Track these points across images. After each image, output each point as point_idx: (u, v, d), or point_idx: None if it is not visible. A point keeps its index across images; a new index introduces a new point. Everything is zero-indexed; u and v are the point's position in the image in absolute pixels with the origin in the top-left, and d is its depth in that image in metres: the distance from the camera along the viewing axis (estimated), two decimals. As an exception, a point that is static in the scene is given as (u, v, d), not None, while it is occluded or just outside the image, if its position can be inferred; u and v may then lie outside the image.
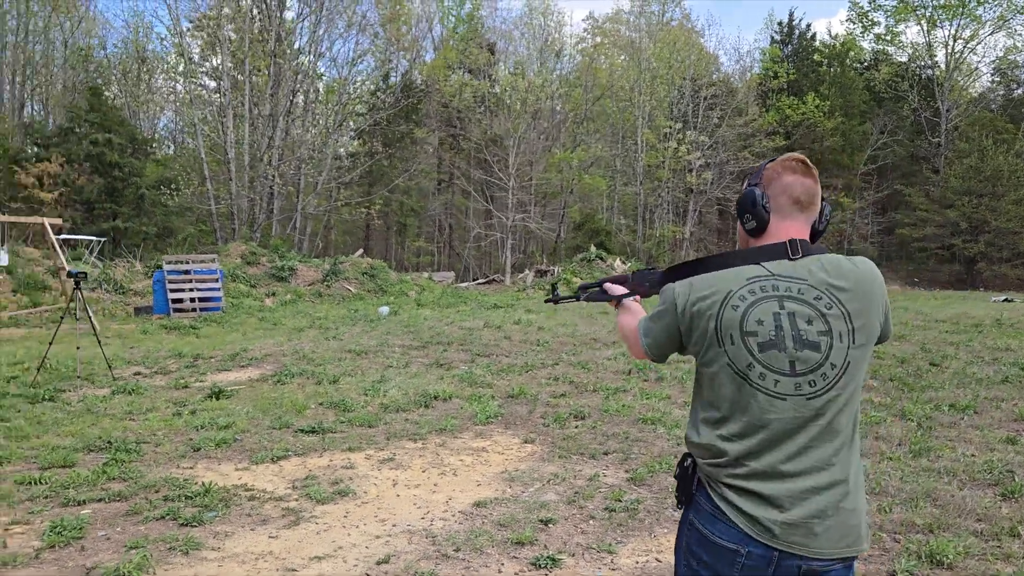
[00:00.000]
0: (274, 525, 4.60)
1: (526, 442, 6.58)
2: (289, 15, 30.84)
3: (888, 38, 44.76)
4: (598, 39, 40.96)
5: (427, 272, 29.83)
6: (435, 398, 8.14)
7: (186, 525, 4.53)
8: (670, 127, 35.39)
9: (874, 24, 44.61)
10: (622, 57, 39.42)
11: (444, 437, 6.71)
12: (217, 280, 18.74)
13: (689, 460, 1.96)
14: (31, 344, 11.99)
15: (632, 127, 37.79)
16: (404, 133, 34.09)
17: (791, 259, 1.89)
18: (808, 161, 1.98)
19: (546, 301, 2.63)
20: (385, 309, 18.52)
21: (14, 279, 18.30)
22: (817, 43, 44.81)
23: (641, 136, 36.32)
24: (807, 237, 1.96)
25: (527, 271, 30.71)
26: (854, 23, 45.29)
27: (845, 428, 1.82)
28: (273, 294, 21.73)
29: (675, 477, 2.02)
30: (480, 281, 30.88)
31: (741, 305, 1.83)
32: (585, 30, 41.84)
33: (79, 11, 34.96)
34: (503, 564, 4.08)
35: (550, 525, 4.60)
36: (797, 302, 1.82)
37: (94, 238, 19.35)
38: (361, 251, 29.16)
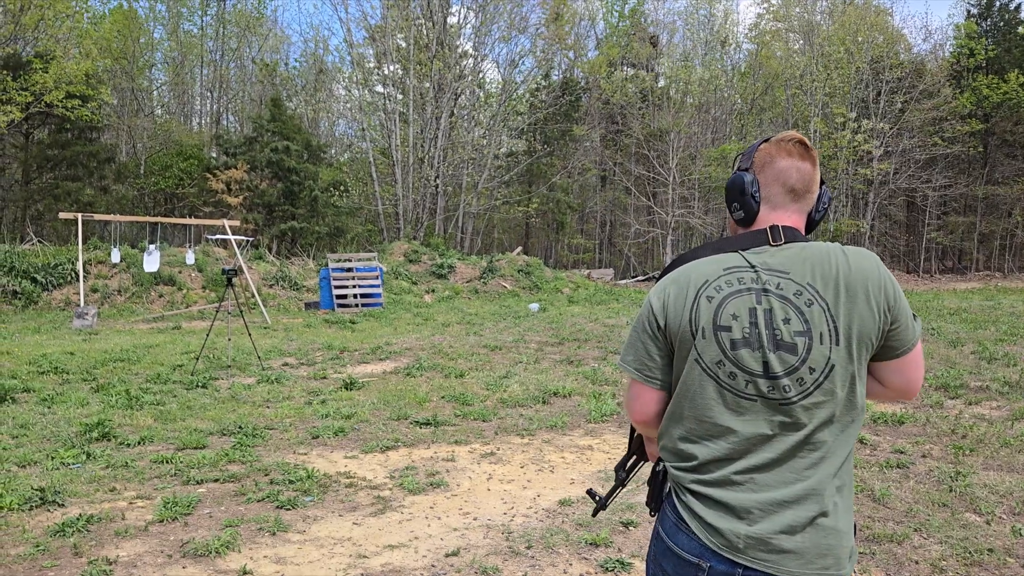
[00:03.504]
0: (362, 512, 4.75)
1: (635, 442, 6.40)
2: (452, 19, 31.83)
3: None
4: (775, 24, 39.07)
5: (585, 269, 29.83)
6: (555, 394, 8.11)
7: (281, 508, 4.78)
8: (844, 115, 33.22)
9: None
10: (799, 43, 37.41)
11: (552, 434, 6.66)
12: (377, 277, 19.68)
13: (661, 465, 1.83)
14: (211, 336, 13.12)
15: (804, 116, 35.84)
16: (564, 131, 34.25)
17: (772, 244, 1.72)
18: (807, 142, 1.78)
19: (594, 515, 2.28)
20: (535, 306, 18.71)
21: (204, 276, 20.13)
22: (1023, 15, 40.43)
23: (813, 126, 34.36)
24: (801, 227, 1.78)
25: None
26: (1068, -11, 40.46)
27: (829, 442, 1.64)
28: (432, 291, 22.53)
29: (647, 483, 1.89)
30: (640, 278, 30.51)
31: (716, 296, 1.68)
32: (759, 15, 40.10)
33: (266, 30, 38.00)
34: (571, 564, 3.99)
35: (631, 528, 4.44)
36: (776, 297, 1.65)
37: (244, 238, 21.00)
38: (520, 248, 29.63)
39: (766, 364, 1.63)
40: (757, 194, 1.76)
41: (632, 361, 1.78)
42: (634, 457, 2.07)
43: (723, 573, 1.63)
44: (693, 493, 1.69)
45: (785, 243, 1.71)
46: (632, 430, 2.07)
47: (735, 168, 1.85)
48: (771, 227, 1.73)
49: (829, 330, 1.62)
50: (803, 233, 1.77)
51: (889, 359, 1.70)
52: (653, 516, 1.88)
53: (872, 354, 1.68)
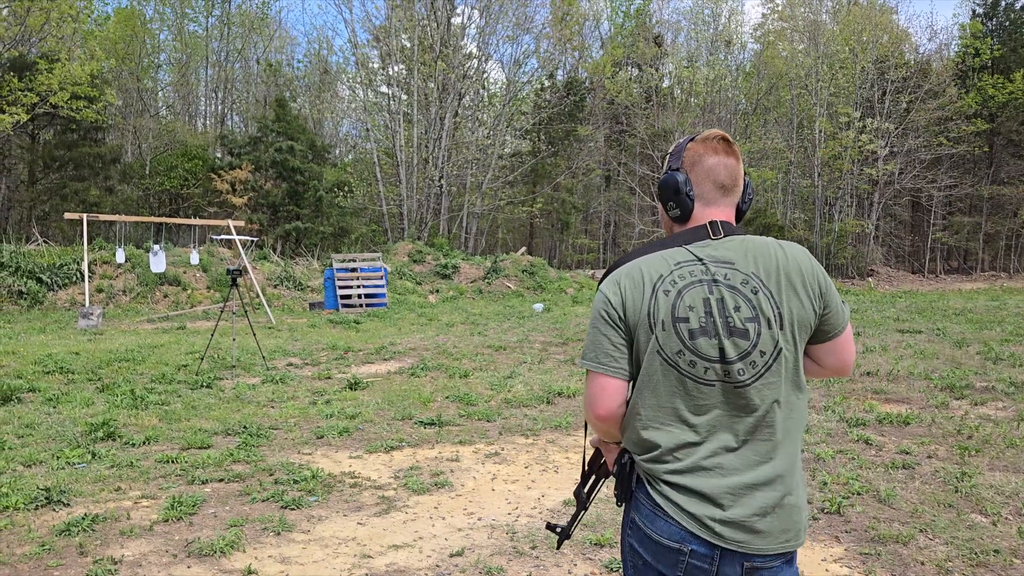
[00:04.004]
0: (366, 512, 4.75)
1: (639, 442, 6.40)
2: (457, 20, 31.84)
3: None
4: (778, 24, 38.93)
5: (589, 269, 29.82)
6: (559, 394, 8.11)
7: (286, 508, 4.78)
8: (848, 115, 33.15)
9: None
10: (802, 46, 37.29)
11: (557, 434, 6.66)
12: (382, 277, 19.69)
13: (627, 456, 1.87)
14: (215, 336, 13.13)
15: (809, 116, 35.77)
16: (568, 131, 34.26)
17: (713, 238, 1.84)
18: (729, 137, 1.90)
19: (559, 547, 2.23)
20: (539, 306, 18.71)
21: (209, 276, 20.16)
22: (1028, 14, 40.29)
23: (819, 125, 34.29)
24: (732, 220, 1.92)
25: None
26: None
27: (782, 423, 1.77)
28: (436, 291, 22.54)
29: (613, 475, 1.92)
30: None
31: (672, 290, 1.77)
32: (763, 15, 40.00)
33: (270, 31, 38.09)
34: (575, 564, 3.99)
35: (635, 529, 4.43)
36: (725, 287, 1.77)
37: (248, 238, 21.02)
38: (524, 249, 29.63)
39: (722, 350, 1.73)
40: (691, 192, 1.87)
41: (594, 357, 1.81)
42: (593, 478, 2.07)
43: (703, 555, 1.71)
44: (667, 483, 1.76)
45: (725, 236, 1.84)
46: (586, 462, 2.09)
47: (665, 168, 1.95)
48: (710, 222, 1.85)
49: (774, 316, 1.75)
50: (732, 224, 1.90)
51: (823, 341, 1.84)
52: (620, 506, 1.92)
53: (808, 338, 1.82)
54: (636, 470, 1.83)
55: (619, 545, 1.96)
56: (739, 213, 1.94)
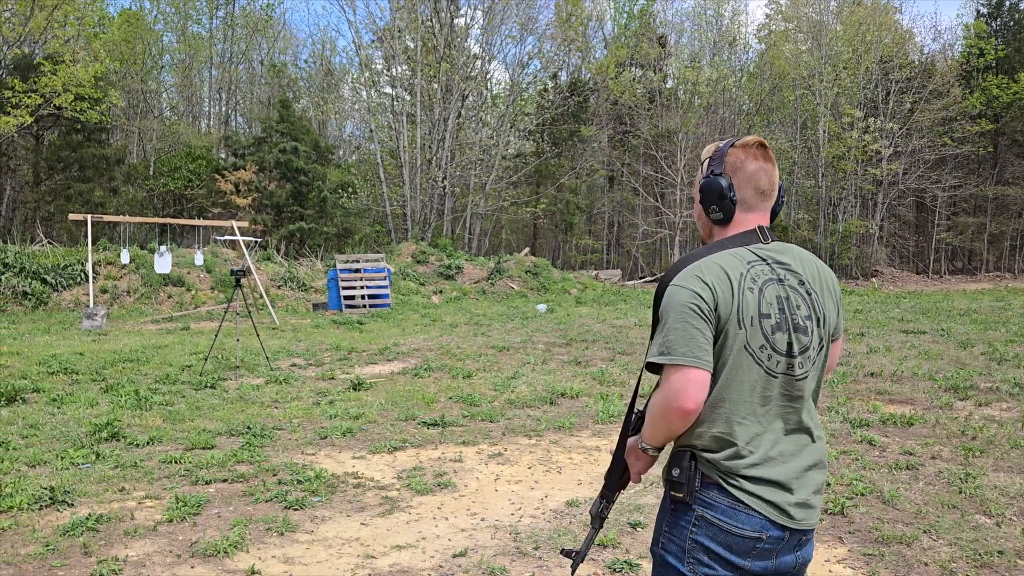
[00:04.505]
0: (369, 513, 4.76)
1: (642, 443, 6.39)
2: (460, 21, 31.85)
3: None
4: (782, 25, 38.86)
5: (593, 270, 29.82)
6: (562, 395, 8.11)
7: (289, 508, 4.78)
8: (852, 115, 33.10)
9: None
10: (806, 45, 37.21)
11: (560, 435, 6.66)
12: (385, 278, 19.71)
13: (688, 457, 1.88)
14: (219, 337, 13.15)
15: (813, 116, 35.72)
16: (572, 132, 34.26)
17: (763, 243, 1.95)
18: (766, 143, 1.97)
19: (573, 572, 2.20)
20: (543, 307, 18.72)
21: (212, 277, 20.20)
22: (1033, 14, 40.17)
23: (823, 125, 34.24)
24: (768, 223, 2.02)
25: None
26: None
27: (815, 412, 1.96)
28: (440, 291, 22.56)
29: (672, 479, 1.89)
30: (648, 279, 30.48)
31: (755, 287, 1.86)
32: (767, 16, 39.95)
33: (275, 32, 38.18)
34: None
35: (638, 529, 4.43)
36: (788, 287, 1.90)
37: (252, 239, 21.04)
38: (528, 249, 29.61)
39: (789, 345, 1.86)
40: (734, 197, 1.94)
41: (686, 351, 1.77)
42: (606, 496, 2.06)
43: (777, 538, 1.84)
44: (746, 477, 1.83)
45: (772, 242, 1.97)
46: (609, 474, 2.06)
47: (707, 172, 1.98)
48: (759, 228, 1.96)
49: (821, 316, 1.93)
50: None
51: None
52: (678, 507, 1.88)
53: None
54: (699, 470, 1.86)
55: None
56: (772, 215, 2.04)
